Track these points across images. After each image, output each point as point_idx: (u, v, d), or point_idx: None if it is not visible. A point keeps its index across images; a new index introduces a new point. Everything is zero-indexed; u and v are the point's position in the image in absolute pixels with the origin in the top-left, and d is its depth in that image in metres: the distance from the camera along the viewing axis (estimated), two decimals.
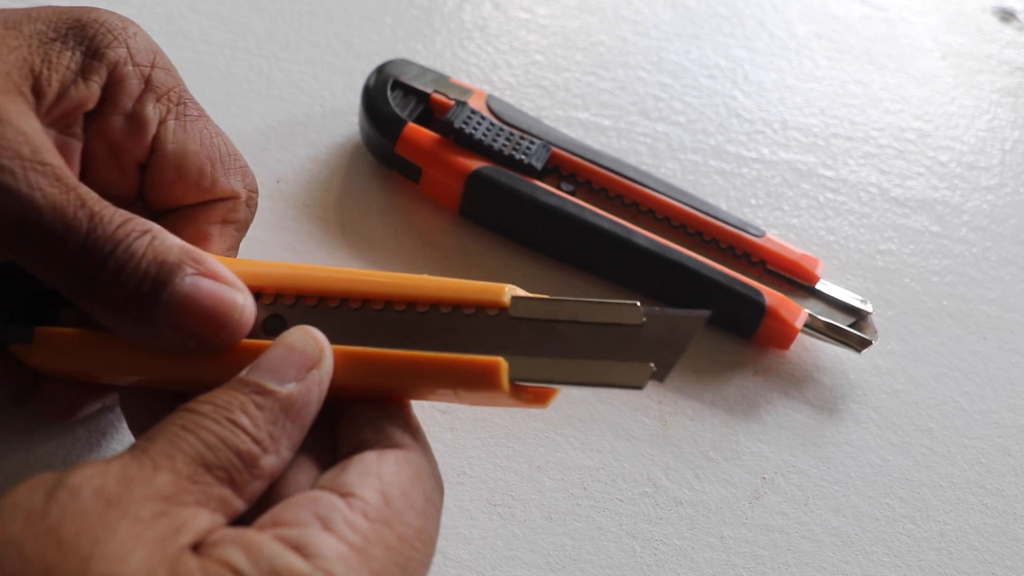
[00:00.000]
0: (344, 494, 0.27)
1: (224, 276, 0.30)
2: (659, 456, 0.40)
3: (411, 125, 0.45)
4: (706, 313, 0.28)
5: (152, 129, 0.34)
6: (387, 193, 0.46)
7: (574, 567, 0.37)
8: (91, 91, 0.32)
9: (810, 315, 0.43)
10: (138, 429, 0.33)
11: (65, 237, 0.28)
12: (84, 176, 0.34)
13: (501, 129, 0.45)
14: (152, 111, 0.34)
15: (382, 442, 0.29)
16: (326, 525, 0.26)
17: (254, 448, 0.27)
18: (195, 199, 0.35)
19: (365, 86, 0.46)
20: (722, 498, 0.39)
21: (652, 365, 0.28)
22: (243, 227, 0.37)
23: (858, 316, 0.44)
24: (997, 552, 0.40)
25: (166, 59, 0.35)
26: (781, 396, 0.43)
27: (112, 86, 0.33)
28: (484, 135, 0.44)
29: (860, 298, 0.44)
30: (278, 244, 0.44)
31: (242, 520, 0.27)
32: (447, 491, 0.37)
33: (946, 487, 0.41)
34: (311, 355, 0.29)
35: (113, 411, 0.38)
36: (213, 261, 0.30)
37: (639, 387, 0.28)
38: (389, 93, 0.45)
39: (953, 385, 0.45)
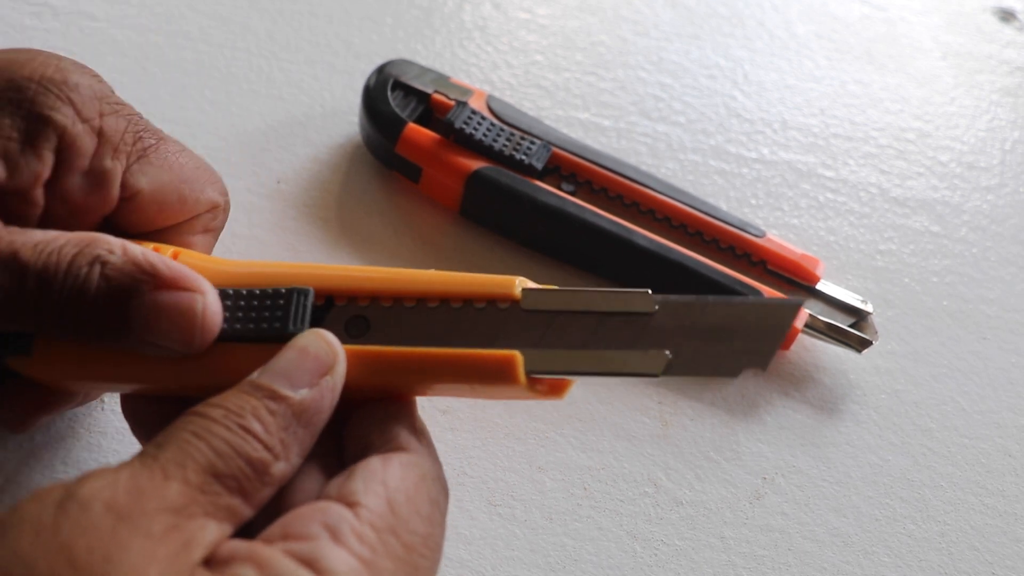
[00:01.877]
0: (351, 504, 0.26)
1: (181, 280, 0.29)
2: (659, 456, 0.40)
3: (411, 125, 0.45)
4: (800, 301, 0.28)
5: (116, 181, 0.32)
6: (387, 193, 0.46)
7: (574, 567, 0.37)
8: (43, 161, 0.31)
9: (810, 315, 0.43)
10: (142, 435, 0.33)
11: (12, 291, 0.28)
12: None
13: (501, 129, 0.45)
14: (111, 164, 0.32)
15: (387, 445, 0.29)
16: (335, 537, 0.25)
17: (266, 455, 0.26)
18: (176, 221, 0.35)
19: (365, 86, 0.46)
20: (722, 498, 0.39)
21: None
22: (219, 233, 0.37)
23: (858, 316, 0.44)
24: (998, 552, 0.40)
25: (112, 98, 0.33)
26: (781, 396, 0.43)
27: (63, 150, 0.31)
28: (484, 135, 0.44)
29: (860, 298, 0.44)
30: (278, 244, 0.44)
31: (249, 527, 0.27)
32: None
33: (946, 487, 0.41)
34: (325, 360, 0.28)
35: (114, 412, 0.38)
36: (165, 266, 0.29)
37: (655, 375, 0.28)
38: (389, 93, 0.45)
39: (953, 385, 0.45)
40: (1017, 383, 0.45)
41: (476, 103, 0.46)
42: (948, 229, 0.51)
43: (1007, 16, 0.63)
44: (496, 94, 0.50)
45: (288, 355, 0.28)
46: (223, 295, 0.30)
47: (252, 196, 0.45)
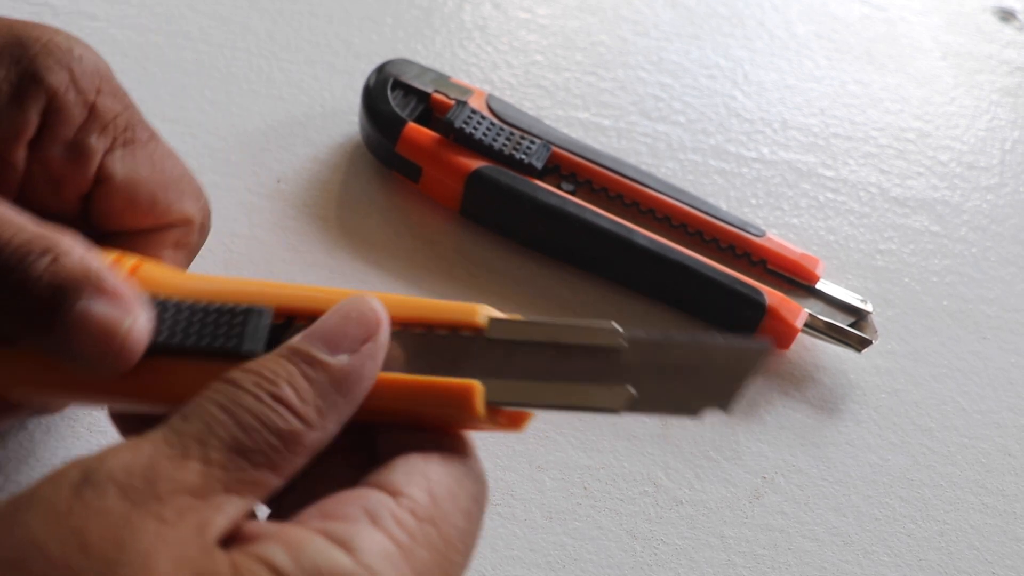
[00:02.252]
0: (392, 492, 0.26)
1: (119, 296, 0.28)
2: (659, 456, 0.40)
3: (411, 125, 0.45)
4: (767, 345, 0.28)
5: (96, 160, 0.32)
6: (387, 193, 0.46)
7: (574, 567, 0.37)
8: (27, 118, 0.30)
9: (810, 315, 0.43)
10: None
11: None
12: (20, 201, 0.32)
13: (501, 129, 0.45)
14: (96, 141, 0.32)
15: (426, 446, 0.28)
16: (374, 521, 0.25)
17: (298, 426, 0.25)
18: (147, 225, 0.34)
19: (365, 86, 0.46)
20: (722, 498, 0.39)
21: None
22: (194, 252, 0.36)
23: (858, 316, 0.44)
24: (997, 552, 0.40)
25: (114, 82, 0.33)
26: (781, 396, 0.43)
27: (51, 114, 0.31)
28: (484, 135, 0.44)
29: (860, 298, 0.44)
30: (278, 244, 0.44)
31: (282, 509, 0.26)
32: None
33: (946, 487, 0.41)
34: (368, 325, 0.27)
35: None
36: (112, 281, 0.28)
37: (615, 411, 0.27)
38: (389, 93, 0.45)
39: (953, 385, 0.45)
40: (1017, 383, 0.45)
41: (476, 103, 0.46)
42: (948, 229, 0.51)
43: (1007, 16, 0.63)
44: (496, 94, 0.50)
45: (331, 320, 0.27)
46: (177, 308, 0.29)
47: (252, 196, 0.45)
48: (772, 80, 0.56)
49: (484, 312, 0.29)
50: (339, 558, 0.23)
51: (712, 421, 0.41)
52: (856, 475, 0.41)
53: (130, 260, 0.32)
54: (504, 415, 0.29)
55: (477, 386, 0.27)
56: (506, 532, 0.37)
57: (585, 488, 0.39)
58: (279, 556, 0.23)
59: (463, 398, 0.27)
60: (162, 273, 0.31)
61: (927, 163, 0.54)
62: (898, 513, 0.40)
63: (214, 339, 0.29)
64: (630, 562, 0.37)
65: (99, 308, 0.27)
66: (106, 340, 0.27)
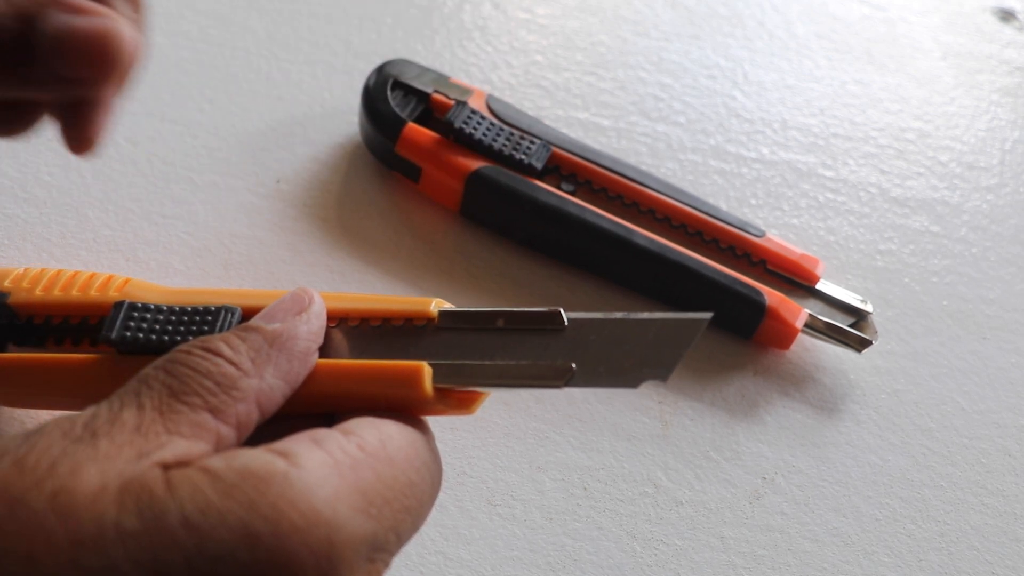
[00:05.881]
0: (344, 432, 0.26)
1: (90, 8, 0.27)
2: (659, 456, 0.40)
3: (411, 125, 0.45)
4: (707, 316, 0.28)
5: None
6: (387, 193, 0.46)
7: (574, 567, 0.37)
8: None
9: (810, 315, 0.43)
10: None
11: None
12: None
13: (501, 129, 0.45)
14: None
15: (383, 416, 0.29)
16: (318, 443, 0.25)
17: (231, 371, 0.26)
18: None
19: (365, 86, 0.46)
20: (722, 498, 0.39)
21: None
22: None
23: (858, 316, 0.44)
24: (997, 552, 0.40)
25: None
26: (781, 396, 0.43)
27: None
28: (484, 135, 0.44)
29: (860, 298, 0.44)
30: (278, 244, 0.44)
31: None
32: (447, 491, 0.38)
33: (946, 487, 0.41)
34: (300, 302, 0.29)
35: None
36: None
37: (558, 387, 0.28)
38: (389, 93, 0.45)
39: (953, 385, 0.45)
40: (1017, 383, 0.45)
41: (476, 103, 0.46)
42: (948, 229, 0.51)
43: (1007, 16, 0.63)
44: (496, 94, 0.50)
45: (267, 305, 0.29)
46: (158, 310, 0.31)
47: (252, 196, 0.45)
48: (772, 80, 0.56)
49: (436, 305, 0.31)
50: (273, 460, 0.24)
51: (712, 421, 0.41)
52: (856, 475, 0.41)
53: (120, 278, 0.34)
54: (455, 396, 0.30)
55: (424, 366, 0.29)
56: (506, 532, 0.37)
57: (585, 489, 0.39)
58: (214, 460, 0.24)
59: (411, 377, 0.29)
60: (148, 285, 0.34)
61: (927, 163, 0.54)
62: (898, 514, 0.40)
63: (189, 334, 0.31)
64: (630, 563, 0.37)
65: (77, 19, 0.27)
66: (100, 45, 0.27)
